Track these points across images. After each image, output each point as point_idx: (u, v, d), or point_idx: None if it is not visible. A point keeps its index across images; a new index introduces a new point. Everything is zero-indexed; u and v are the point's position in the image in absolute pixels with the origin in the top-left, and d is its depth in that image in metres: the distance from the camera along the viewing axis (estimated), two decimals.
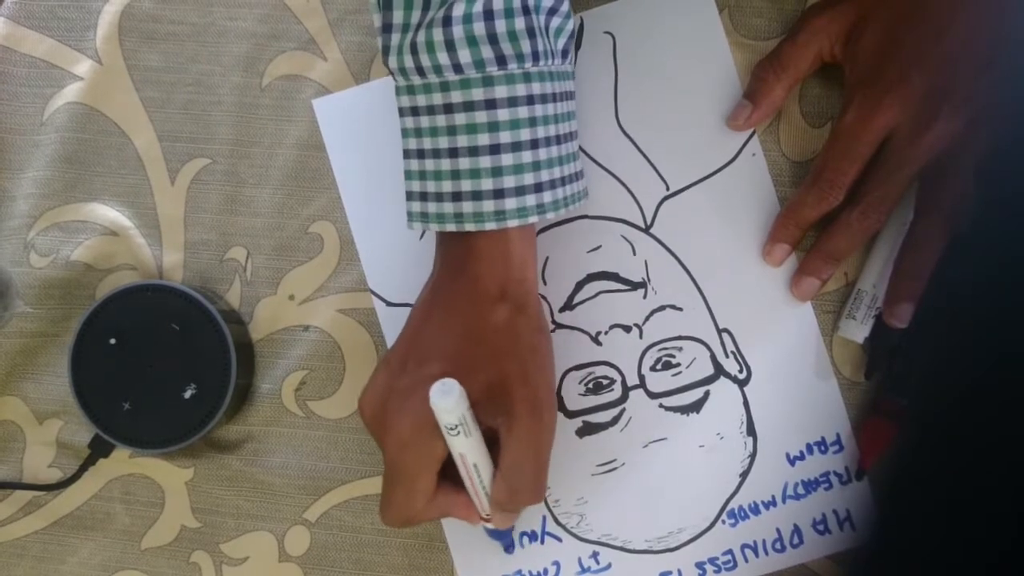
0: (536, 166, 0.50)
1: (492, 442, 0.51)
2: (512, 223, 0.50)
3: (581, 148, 0.58)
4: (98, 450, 0.59)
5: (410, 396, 0.50)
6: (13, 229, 0.61)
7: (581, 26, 0.59)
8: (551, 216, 0.51)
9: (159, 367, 0.57)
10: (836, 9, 0.55)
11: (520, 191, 0.50)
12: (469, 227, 0.50)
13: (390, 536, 0.59)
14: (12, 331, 0.60)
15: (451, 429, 0.48)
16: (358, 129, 0.60)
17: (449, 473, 0.52)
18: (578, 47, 0.59)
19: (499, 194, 0.49)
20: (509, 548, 0.58)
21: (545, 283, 0.58)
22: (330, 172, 0.60)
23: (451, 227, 0.50)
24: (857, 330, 0.56)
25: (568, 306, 0.58)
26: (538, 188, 0.50)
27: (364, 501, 0.59)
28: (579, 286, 0.58)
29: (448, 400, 0.47)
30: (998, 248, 0.38)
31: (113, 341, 0.57)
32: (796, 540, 0.57)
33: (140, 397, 0.57)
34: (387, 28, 0.50)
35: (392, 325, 0.59)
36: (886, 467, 0.55)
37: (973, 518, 0.35)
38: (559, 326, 0.58)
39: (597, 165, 0.59)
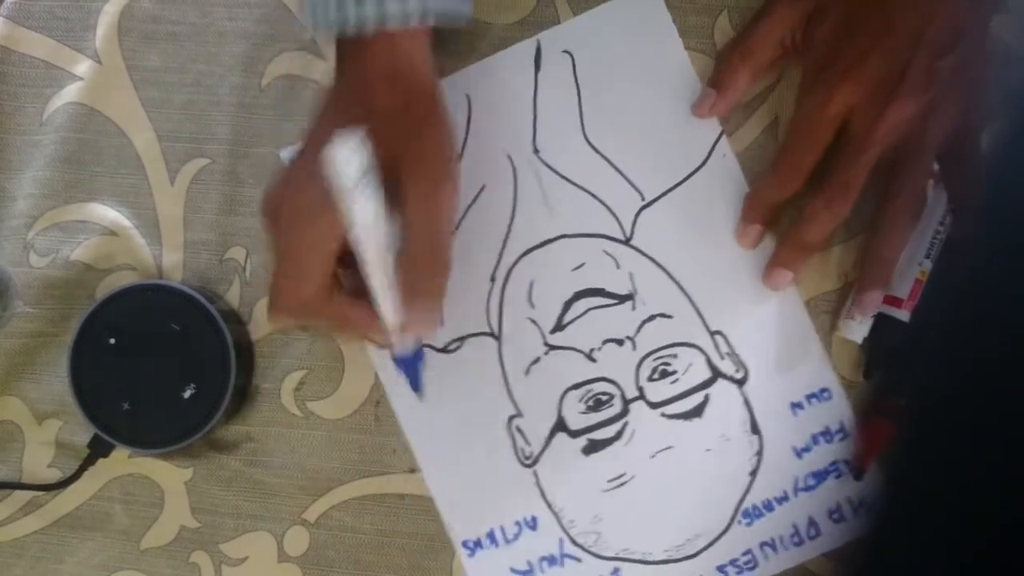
0: None
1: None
2: (372, 26, 0.50)
3: (550, 167, 0.59)
4: (97, 450, 0.58)
5: (311, 177, 0.50)
6: (13, 229, 0.61)
7: (539, 47, 0.59)
8: (415, 23, 0.50)
9: (158, 367, 0.57)
10: None
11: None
12: (351, 30, 0.50)
13: (390, 537, 0.59)
14: (11, 331, 0.60)
15: (353, 187, 0.47)
16: None
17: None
18: (538, 68, 0.59)
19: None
20: (417, 386, 0.57)
21: (533, 306, 0.58)
22: None
23: (333, 20, 0.50)
24: (856, 330, 0.56)
25: (559, 327, 0.58)
26: None
27: (363, 501, 0.59)
28: (567, 305, 0.58)
29: (347, 148, 0.46)
30: (996, 245, 0.38)
31: (112, 341, 0.57)
32: (813, 532, 0.57)
33: (139, 397, 0.57)
34: None
35: (387, 366, 0.59)
36: (885, 465, 0.55)
37: (971, 513, 0.35)
38: (552, 348, 0.58)
39: (570, 183, 0.59)
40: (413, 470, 0.59)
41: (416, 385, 0.57)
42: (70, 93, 0.62)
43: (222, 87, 0.61)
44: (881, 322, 0.56)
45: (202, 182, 0.61)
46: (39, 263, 0.61)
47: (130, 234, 0.61)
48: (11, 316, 0.60)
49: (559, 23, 0.59)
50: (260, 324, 0.60)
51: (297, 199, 0.51)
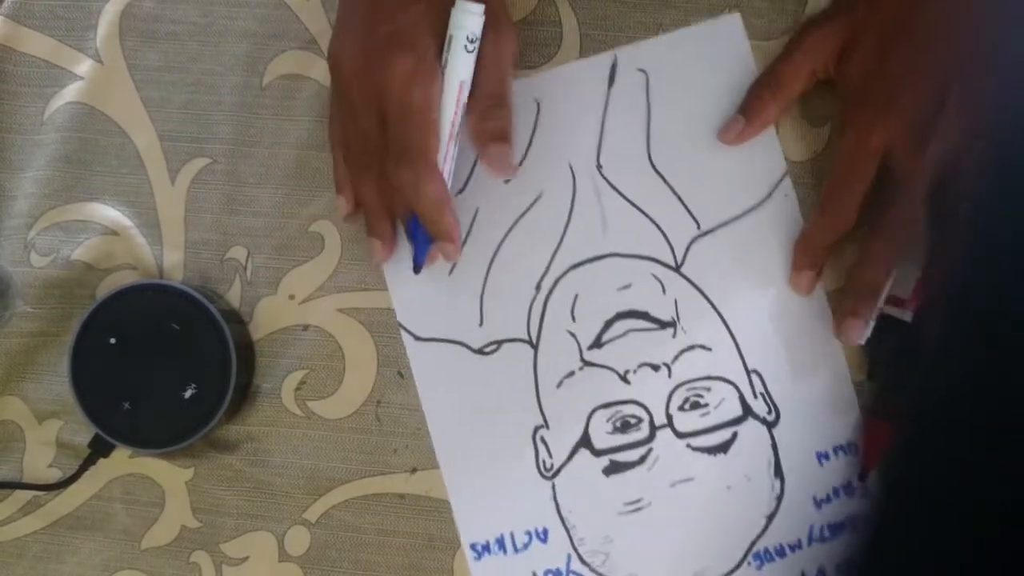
0: None
1: None
2: None
3: (611, 184, 0.58)
4: (98, 450, 0.58)
5: (402, 36, 0.52)
6: (13, 228, 0.61)
7: (615, 62, 0.59)
8: None
9: (159, 367, 0.57)
10: (830, 26, 0.55)
11: None
12: None
13: (391, 536, 0.59)
14: (12, 331, 0.60)
15: (470, 43, 0.52)
16: None
17: None
18: (611, 83, 0.59)
19: None
20: (420, 261, 0.57)
21: (574, 320, 0.58)
22: (329, 171, 0.59)
23: None
24: None
25: (597, 344, 0.58)
26: None
27: (364, 501, 0.59)
28: (608, 324, 0.58)
29: (471, 8, 0.50)
30: (997, 245, 0.38)
31: (113, 341, 0.57)
32: None
33: (140, 397, 0.57)
34: None
35: (421, 360, 0.59)
36: (885, 465, 0.54)
37: (971, 513, 0.35)
38: (587, 364, 0.58)
39: (628, 203, 0.58)
40: (414, 470, 0.59)
41: (420, 260, 0.57)
42: (71, 92, 0.62)
43: (223, 86, 0.61)
44: (884, 322, 0.56)
45: (203, 182, 0.61)
46: (40, 263, 0.61)
47: (131, 234, 0.60)
48: (12, 316, 0.60)
49: (560, 22, 0.59)
50: (260, 324, 0.60)
51: (402, 62, 0.52)
